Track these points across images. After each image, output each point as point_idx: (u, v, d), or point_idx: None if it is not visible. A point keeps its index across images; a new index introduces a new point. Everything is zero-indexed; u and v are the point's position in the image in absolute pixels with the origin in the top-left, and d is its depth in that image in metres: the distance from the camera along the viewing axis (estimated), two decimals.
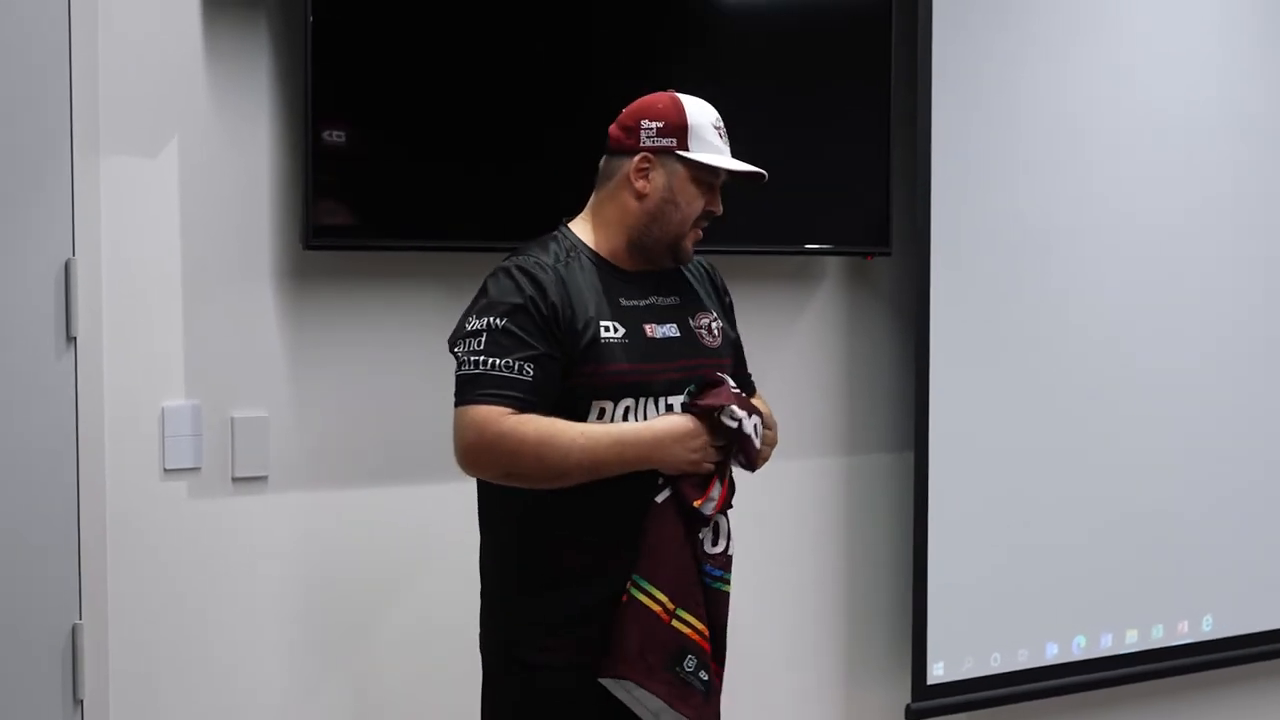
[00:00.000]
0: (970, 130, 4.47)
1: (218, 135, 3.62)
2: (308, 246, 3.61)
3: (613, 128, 3.10)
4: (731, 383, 3.01)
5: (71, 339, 3.47)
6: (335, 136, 3.59)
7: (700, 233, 3.11)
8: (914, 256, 4.42)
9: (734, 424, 2.93)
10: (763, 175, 3.11)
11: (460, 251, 3.77)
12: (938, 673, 4.51)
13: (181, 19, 3.58)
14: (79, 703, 3.53)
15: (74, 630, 3.51)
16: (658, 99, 3.08)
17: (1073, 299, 4.69)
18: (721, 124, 3.10)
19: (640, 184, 3.03)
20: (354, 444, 3.81)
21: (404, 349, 3.81)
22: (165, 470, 3.62)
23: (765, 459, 3.10)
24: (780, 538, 4.42)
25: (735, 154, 3.11)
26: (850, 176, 4.35)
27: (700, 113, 3.06)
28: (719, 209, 3.11)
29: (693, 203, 3.05)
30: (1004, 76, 4.54)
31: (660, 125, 3.03)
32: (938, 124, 4.38)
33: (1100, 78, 4.72)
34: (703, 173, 3.05)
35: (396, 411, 3.83)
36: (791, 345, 4.44)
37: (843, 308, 4.53)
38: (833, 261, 4.49)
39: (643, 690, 2.89)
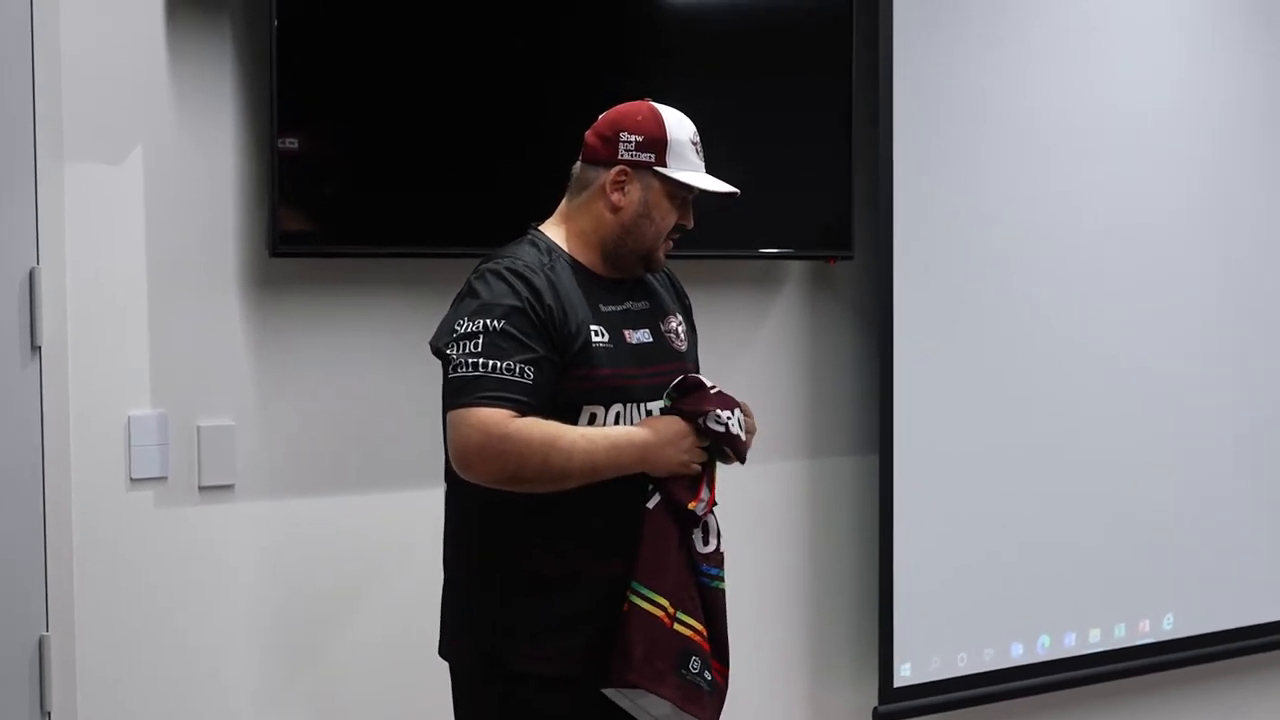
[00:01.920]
0: (932, 132, 4.49)
1: (182, 142, 3.60)
2: (274, 253, 3.60)
3: (589, 135, 3.08)
4: (708, 383, 3.02)
5: (36, 348, 3.45)
6: (300, 142, 3.58)
7: (671, 244, 3.11)
8: (877, 259, 4.43)
9: (721, 428, 2.95)
10: (736, 193, 3.12)
11: (427, 258, 3.77)
12: (904, 674, 4.52)
13: (144, 25, 3.56)
14: (46, 714, 3.50)
15: (41, 642, 3.48)
16: (637, 110, 3.06)
17: (1037, 299, 4.72)
18: (698, 138, 3.09)
19: (616, 197, 3.02)
20: (321, 452, 3.80)
21: (371, 355, 3.80)
22: (132, 480, 3.59)
23: (749, 446, 3.10)
24: (745, 540, 4.40)
25: (706, 164, 3.12)
26: (812, 180, 4.36)
27: (680, 128, 3.06)
28: (691, 223, 3.12)
29: (666, 217, 3.05)
30: (966, 77, 4.57)
31: (639, 139, 3.01)
32: (899, 126, 4.40)
33: (1064, 77, 4.75)
34: (679, 189, 3.05)
35: (364, 419, 3.82)
36: (755, 349, 4.45)
37: (806, 311, 4.54)
38: (795, 265, 4.49)
39: (652, 696, 2.88)
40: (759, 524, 4.47)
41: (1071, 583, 4.83)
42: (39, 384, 3.46)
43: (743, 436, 3.01)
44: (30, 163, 3.43)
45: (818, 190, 4.37)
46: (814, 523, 4.60)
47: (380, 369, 3.80)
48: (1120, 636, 4.97)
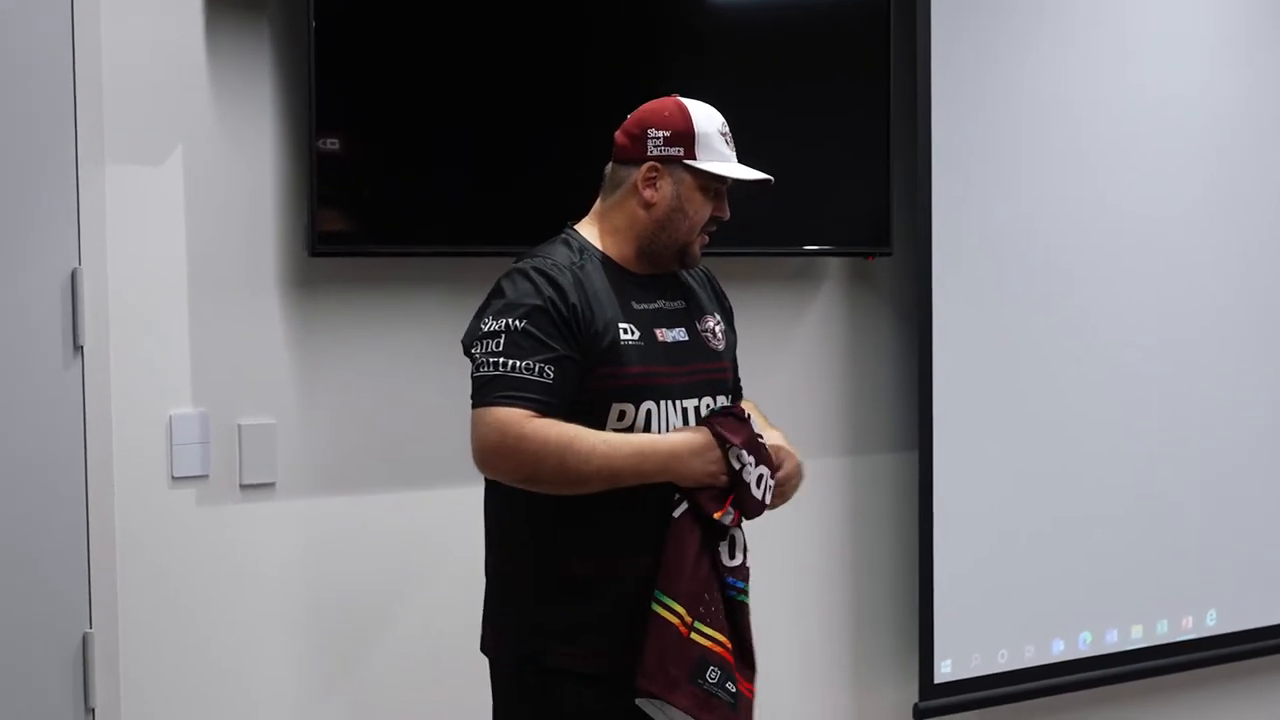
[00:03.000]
0: (970, 128, 4.48)
1: (222, 143, 3.63)
2: (313, 253, 3.62)
3: (619, 135, 3.08)
4: (755, 425, 2.98)
5: (78, 348, 3.48)
6: (338, 143, 3.60)
7: (707, 237, 3.10)
8: (915, 256, 4.43)
9: (738, 466, 2.91)
10: (769, 181, 3.11)
11: (465, 256, 3.78)
12: (945, 671, 4.51)
13: (184, 27, 3.59)
14: (90, 711, 3.54)
15: (85, 639, 3.52)
16: (664, 106, 3.06)
17: (1075, 295, 4.71)
18: (727, 129, 3.08)
19: (648, 193, 3.01)
20: (361, 449, 3.82)
21: (410, 354, 3.82)
22: (173, 478, 3.62)
23: (781, 502, 3.07)
24: (785, 538, 4.42)
25: (739, 156, 3.12)
26: (850, 176, 4.36)
27: (707, 120, 3.04)
28: (726, 214, 3.10)
29: (700, 210, 3.03)
30: (1004, 73, 4.56)
31: (667, 134, 3.00)
32: (938, 122, 4.39)
33: (1101, 74, 4.74)
34: (710, 181, 3.03)
35: (404, 416, 3.84)
36: (794, 346, 4.45)
37: (844, 308, 4.54)
38: (834, 262, 4.49)
39: (671, 707, 2.88)
40: (799, 521, 4.45)
41: (1113, 579, 4.82)
42: (81, 384, 3.49)
43: (756, 493, 2.94)
44: (72, 164, 3.46)
45: (856, 187, 4.37)
46: (854, 519, 4.60)
47: (419, 367, 3.82)
48: (1163, 633, 4.95)
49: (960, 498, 4.50)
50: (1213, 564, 5.03)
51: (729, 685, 2.92)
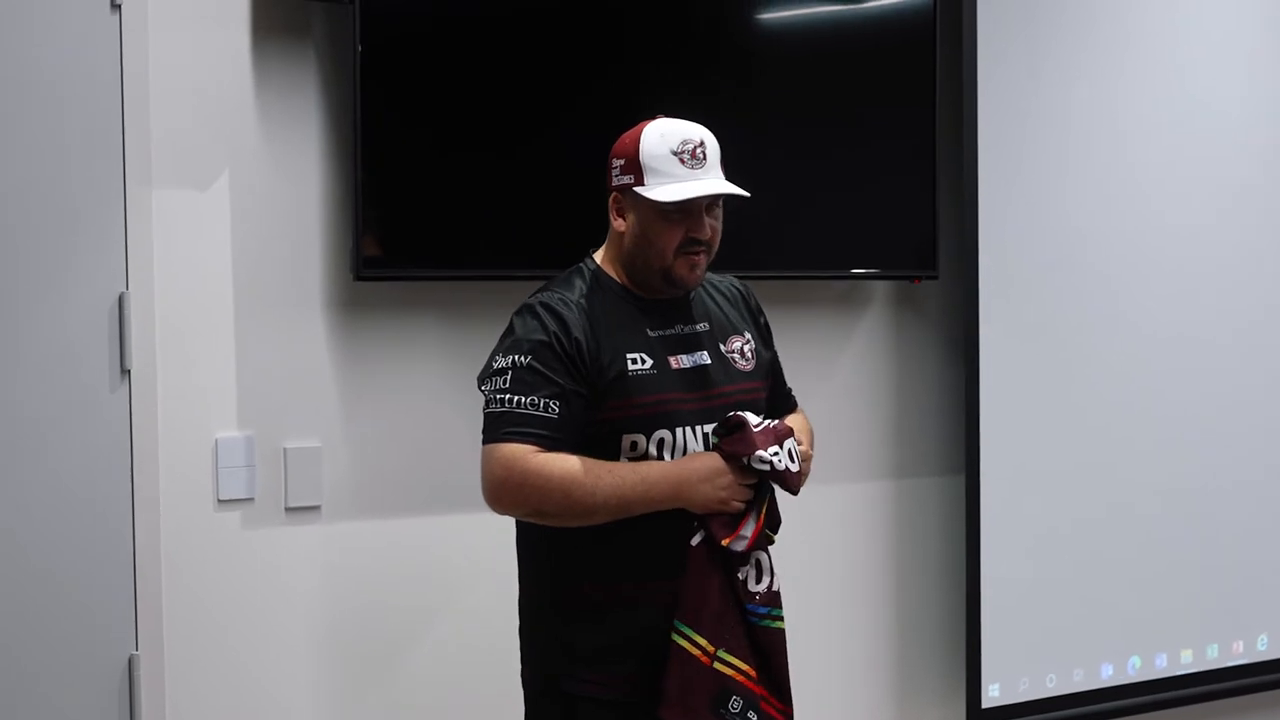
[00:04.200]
0: (1017, 151, 4.46)
1: (268, 167, 3.65)
2: (358, 277, 3.63)
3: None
4: (753, 420, 2.94)
5: (125, 372, 3.50)
6: (383, 168, 3.61)
7: (696, 259, 3.00)
8: (962, 279, 4.41)
9: (765, 467, 2.90)
10: (743, 194, 3.00)
11: (509, 280, 3.78)
12: (993, 695, 4.49)
13: (231, 51, 3.61)
14: None
15: (130, 661, 3.53)
16: (630, 132, 3.03)
17: (1124, 318, 4.68)
18: (692, 144, 2.97)
19: (617, 223, 3.03)
20: (406, 473, 3.83)
21: (455, 378, 3.81)
22: (219, 501, 3.64)
23: (806, 475, 3.06)
24: (831, 561, 4.41)
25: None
26: (896, 200, 4.35)
27: (658, 142, 2.97)
28: (705, 233, 2.98)
29: (664, 234, 2.96)
30: (1051, 94, 4.53)
31: (622, 163, 3.00)
32: (984, 145, 4.38)
33: (1150, 92, 4.71)
34: (659, 205, 2.95)
35: (448, 441, 3.84)
36: (840, 370, 4.44)
37: (891, 331, 4.52)
38: (880, 286, 4.48)
39: None
40: (845, 544, 4.46)
41: (1163, 603, 4.78)
42: (128, 407, 3.51)
43: (793, 468, 2.93)
44: (119, 188, 3.49)
45: (902, 210, 4.36)
46: (901, 543, 4.59)
47: (463, 391, 3.80)
48: (1213, 658, 4.90)
49: (1007, 521, 4.47)
50: (1264, 588, 4.98)
51: (751, 714, 2.91)
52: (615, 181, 3.01)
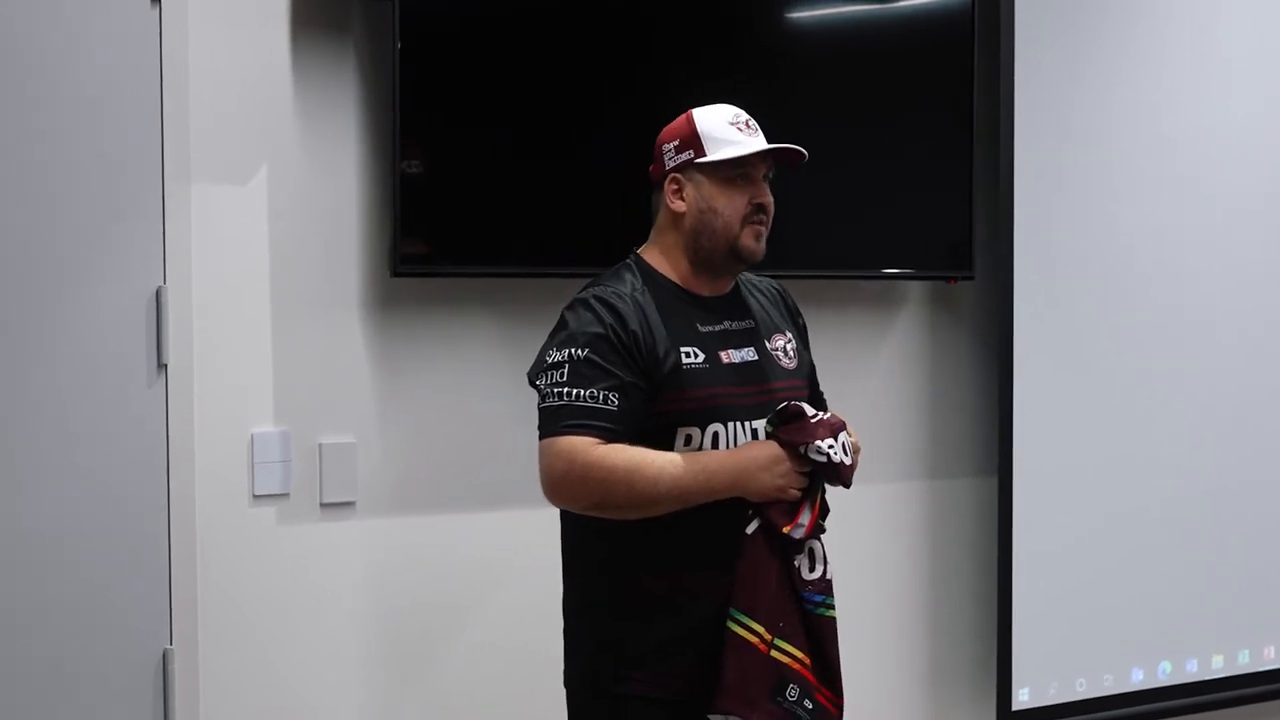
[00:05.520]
0: (1054, 152, 4.45)
1: (306, 163, 3.65)
2: (395, 273, 3.64)
3: (652, 164, 3.11)
4: (810, 411, 2.97)
5: (162, 366, 3.50)
6: (422, 164, 3.61)
7: (760, 228, 3.04)
8: (998, 280, 4.41)
9: (822, 458, 2.90)
10: (795, 150, 3.05)
11: (546, 277, 3.78)
12: (1023, 698, 4.48)
13: (271, 47, 3.62)
14: None
15: (165, 655, 3.54)
16: (675, 121, 3.08)
17: (1160, 319, 4.66)
18: (743, 118, 3.05)
19: (676, 204, 3.02)
20: (442, 470, 3.83)
21: (491, 375, 3.82)
22: (254, 496, 3.64)
23: (855, 468, 3.06)
24: (864, 561, 4.40)
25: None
26: (933, 200, 4.34)
27: (711, 116, 3.04)
28: (766, 198, 3.04)
29: (731, 202, 3.01)
30: (1089, 97, 4.52)
31: (676, 144, 3.03)
32: (1021, 145, 4.37)
33: (1190, 100, 4.69)
34: (727, 170, 3.01)
35: (484, 437, 3.84)
36: (875, 369, 4.44)
37: (926, 332, 4.52)
38: (915, 286, 4.48)
39: None
40: (878, 544, 4.46)
41: (1194, 608, 4.77)
42: (165, 401, 3.52)
43: (846, 462, 2.94)
44: (158, 184, 3.49)
45: (939, 211, 4.35)
46: (933, 543, 4.58)
47: (499, 388, 3.82)
48: (1244, 663, 4.89)
49: (1039, 523, 4.46)
50: None
51: (806, 703, 2.91)
52: (670, 163, 3.03)
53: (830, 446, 2.92)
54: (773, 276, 3.30)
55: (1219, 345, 4.77)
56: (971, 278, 4.39)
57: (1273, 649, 4.94)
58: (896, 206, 4.26)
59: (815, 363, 3.32)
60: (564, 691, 3.10)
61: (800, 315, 3.30)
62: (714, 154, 2.99)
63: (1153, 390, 4.66)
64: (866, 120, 4.23)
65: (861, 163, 4.14)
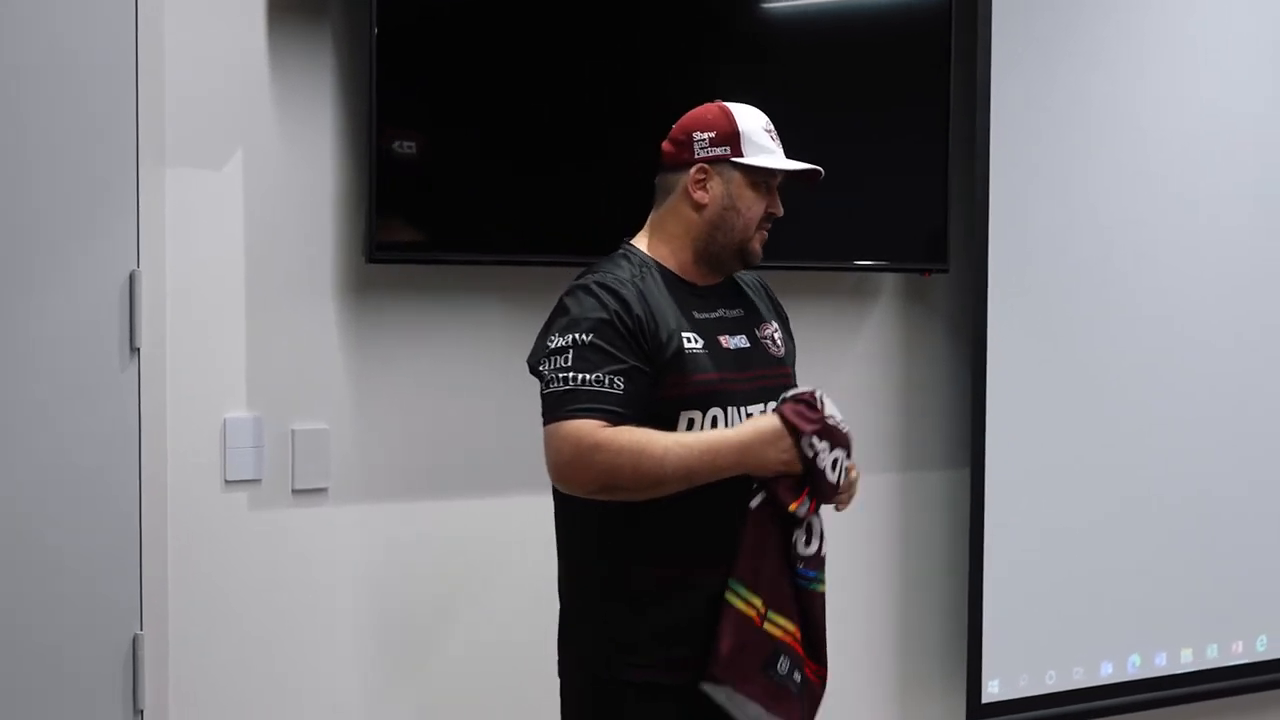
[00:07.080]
0: (1030, 144, 4.46)
1: (282, 148, 3.64)
2: (370, 260, 3.63)
3: (665, 144, 3.10)
4: (829, 407, 2.95)
5: (135, 350, 3.49)
6: (400, 149, 3.61)
7: (765, 234, 3.10)
8: (972, 273, 4.42)
9: (810, 454, 2.90)
10: (819, 172, 3.11)
11: (524, 265, 3.79)
12: (992, 691, 4.50)
13: (247, 31, 3.60)
14: (139, 713, 3.54)
15: (135, 640, 3.53)
16: (707, 110, 3.09)
17: (1133, 314, 4.68)
18: (772, 127, 3.10)
19: (699, 194, 3.03)
20: (415, 457, 3.82)
21: (466, 362, 3.82)
22: (226, 482, 3.63)
23: (847, 499, 3.08)
24: (835, 553, 4.34)
25: (788, 154, 3.12)
26: (908, 192, 4.35)
27: (750, 118, 3.07)
28: (779, 210, 3.11)
29: (753, 206, 3.05)
30: (1065, 88, 4.53)
31: (712, 135, 3.03)
32: (996, 138, 4.38)
33: (1168, 91, 4.71)
34: (760, 176, 3.05)
35: (458, 424, 3.84)
36: (848, 361, 4.44)
37: (900, 324, 4.52)
38: (890, 278, 4.48)
39: (741, 695, 2.88)
40: (849, 536, 4.44)
41: (1163, 602, 4.79)
42: (137, 386, 3.50)
43: (831, 477, 2.93)
44: (132, 167, 3.48)
45: (913, 203, 4.36)
46: (905, 536, 4.59)
47: (474, 375, 3.82)
48: (1212, 657, 4.91)
49: (1011, 516, 4.47)
50: (1264, 589, 4.98)
51: (796, 675, 2.94)
52: (702, 153, 3.03)
53: (824, 449, 2.92)
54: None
55: (1192, 340, 4.79)
56: (946, 270, 4.40)
57: (1241, 644, 4.96)
58: (871, 198, 4.26)
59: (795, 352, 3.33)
60: (545, 678, 3.10)
61: (782, 306, 3.33)
62: (751, 158, 3.03)
63: (1125, 384, 4.68)
64: (842, 111, 4.22)
65: (836, 154, 4.09)
